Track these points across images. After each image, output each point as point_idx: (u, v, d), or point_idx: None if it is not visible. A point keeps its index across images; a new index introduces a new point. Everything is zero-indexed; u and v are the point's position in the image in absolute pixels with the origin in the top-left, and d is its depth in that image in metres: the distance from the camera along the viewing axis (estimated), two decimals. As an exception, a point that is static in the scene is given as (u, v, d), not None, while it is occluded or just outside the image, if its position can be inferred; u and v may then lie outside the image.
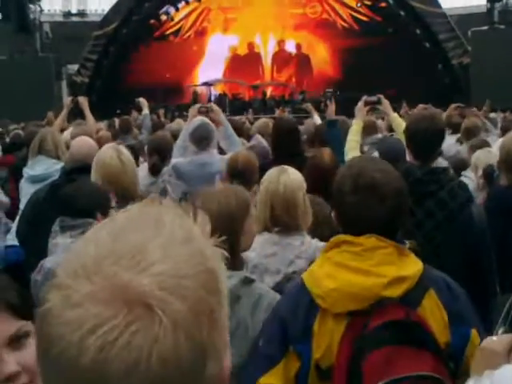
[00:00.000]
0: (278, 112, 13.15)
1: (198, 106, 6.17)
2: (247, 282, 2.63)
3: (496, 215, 3.32)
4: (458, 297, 2.10)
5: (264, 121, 9.20)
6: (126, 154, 4.15)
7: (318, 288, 1.98)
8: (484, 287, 3.22)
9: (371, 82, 30.13)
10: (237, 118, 13.79)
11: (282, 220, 3.22)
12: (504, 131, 7.32)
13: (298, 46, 34.64)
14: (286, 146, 5.27)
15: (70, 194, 3.51)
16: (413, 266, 2.00)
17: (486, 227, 3.28)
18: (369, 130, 6.73)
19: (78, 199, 3.42)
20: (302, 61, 34.49)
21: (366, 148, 6.34)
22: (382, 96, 5.31)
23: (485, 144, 5.65)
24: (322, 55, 34.14)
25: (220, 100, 28.53)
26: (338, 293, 1.93)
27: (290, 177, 3.28)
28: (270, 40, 35.06)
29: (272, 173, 3.36)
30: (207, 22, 33.99)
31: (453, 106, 9.17)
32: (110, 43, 30.50)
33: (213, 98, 28.77)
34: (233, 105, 27.91)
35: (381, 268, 1.94)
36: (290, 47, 35.10)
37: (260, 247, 3.18)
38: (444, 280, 2.12)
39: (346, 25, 32.88)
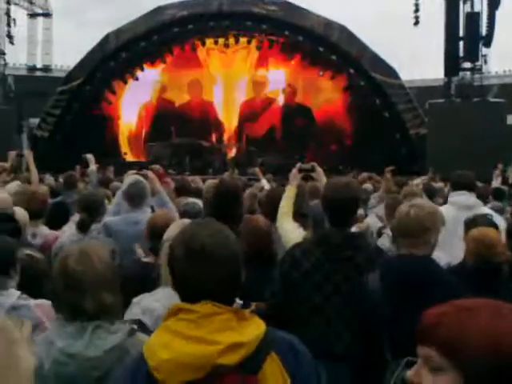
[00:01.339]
0: (226, 174, 13.14)
1: (132, 172, 6.15)
2: (132, 333, 2.65)
3: (391, 284, 3.29)
4: (302, 361, 2.02)
5: (213, 181, 9.15)
6: None
7: (153, 359, 1.88)
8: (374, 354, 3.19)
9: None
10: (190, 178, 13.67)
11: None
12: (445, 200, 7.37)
13: None
14: (223, 208, 5.20)
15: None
16: (253, 330, 1.92)
17: (380, 295, 3.26)
18: (313, 194, 6.83)
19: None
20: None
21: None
22: (315, 164, 5.42)
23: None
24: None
25: (180, 159, 28.62)
26: (171, 364, 1.84)
27: None
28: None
29: (176, 230, 3.26)
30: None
31: (387, 169, 9.31)
32: (73, 99, 30.51)
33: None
34: (193, 164, 27.96)
35: (217, 335, 1.86)
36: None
37: (167, 298, 3.09)
38: (289, 343, 2.04)
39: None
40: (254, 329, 1.94)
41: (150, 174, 5.87)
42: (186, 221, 3.41)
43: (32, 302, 3.17)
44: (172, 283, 2.07)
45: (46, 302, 3.00)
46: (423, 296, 3.04)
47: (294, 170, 5.20)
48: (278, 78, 33.34)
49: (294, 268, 3.69)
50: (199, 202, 6.47)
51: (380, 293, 3.24)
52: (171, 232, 3.30)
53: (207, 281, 1.94)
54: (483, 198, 8.00)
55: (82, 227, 5.21)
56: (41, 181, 10.26)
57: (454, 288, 3.24)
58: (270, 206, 5.40)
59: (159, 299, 3.12)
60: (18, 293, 3.21)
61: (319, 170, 5.39)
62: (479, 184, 10.45)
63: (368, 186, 10.91)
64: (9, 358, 1.05)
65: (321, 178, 5.36)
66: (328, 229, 3.73)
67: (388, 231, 5.58)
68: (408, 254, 3.33)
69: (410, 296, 3.13)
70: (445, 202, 7.07)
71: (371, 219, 7.42)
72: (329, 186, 3.93)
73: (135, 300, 3.18)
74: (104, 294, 2.63)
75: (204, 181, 11.44)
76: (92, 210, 5.41)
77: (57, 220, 5.95)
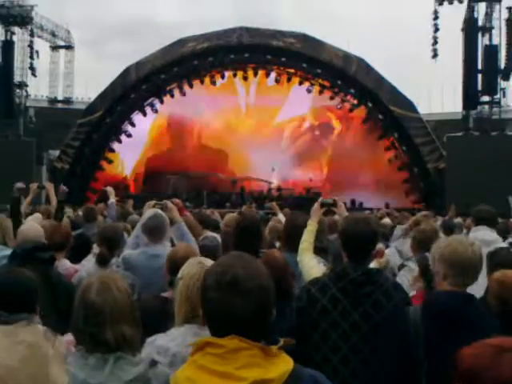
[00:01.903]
0: (244, 208, 13.13)
1: (152, 202, 6.10)
2: (153, 364, 2.73)
3: (433, 319, 3.27)
4: None
5: (233, 215, 9.23)
6: None
7: None
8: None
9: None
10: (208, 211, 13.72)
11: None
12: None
13: None
14: (244, 241, 5.20)
15: (7, 288, 3.37)
16: (280, 367, 1.91)
17: (420, 331, 3.23)
18: (331, 228, 6.88)
19: (15, 293, 3.31)
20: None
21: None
22: (337, 198, 5.39)
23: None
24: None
25: (197, 193, 28.75)
26: None
27: None
28: None
29: (191, 267, 3.28)
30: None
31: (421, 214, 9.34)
32: (93, 131, 30.79)
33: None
34: (210, 198, 28.06)
35: (243, 371, 1.85)
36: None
37: (181, 337, 3.12)
38: (315, 380, 2.03)
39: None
40: (282, 365, 1.92)
41: (169, 204, 5.87)
42: (203, 259, 3.43)
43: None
44: (202, 314, 2.06)
45: (70, 338, 3.02)
46: (466, 335, 3.02)
47: (316, 205, 5.18)
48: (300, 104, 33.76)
49: (310, 304, 3.66)
50: (217, 237, 6.48)
51: (421, 328, 3.22)
52: (186, 269, 3.31)
53: (237, 313, 1.92)
54: (504, 233, 7.94)
55: (102, 261, 5.24)
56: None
57: (495, 328, 3.16)
58: (290, 231, 5.41)
59: (174, 339, 3.14)
60: (44, 329, 3.23)
61: (341, 204, 5.35)
62: (500, 220, 10.37)
63: (387, 220, 10.90)
64: (41, 378, 1.07)
65: (342, 212, 5.31)
66: (346, 264, 3.71)
67: (411, 264, 5.51)
68: (452, 291, 3.34)
69: (454, 333, 3.11)
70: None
71: (390, 251, 7.38)
72: (347, 220, 3.91)
73: (149, 340, 3.18)
74: (124, 326, 2.67)
75: (222, 215, 11.50)
76: (111, 243, 5.44)
77: (78, 252, 5.99)
